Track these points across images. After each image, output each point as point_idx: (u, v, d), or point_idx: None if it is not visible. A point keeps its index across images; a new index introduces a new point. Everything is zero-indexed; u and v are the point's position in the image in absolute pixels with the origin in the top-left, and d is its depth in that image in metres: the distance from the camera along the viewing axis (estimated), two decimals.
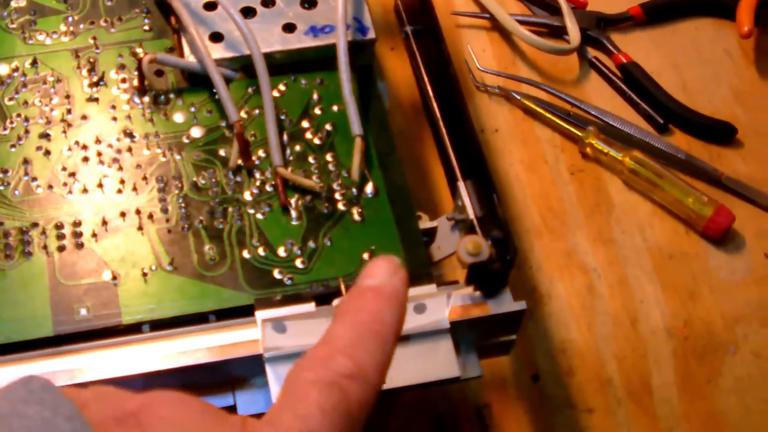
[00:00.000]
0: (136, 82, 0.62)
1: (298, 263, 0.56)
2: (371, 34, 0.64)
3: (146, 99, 0.62)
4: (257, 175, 0.59)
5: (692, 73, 0.78)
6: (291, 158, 0.60)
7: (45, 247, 0.56)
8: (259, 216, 0.58)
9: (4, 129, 0.60)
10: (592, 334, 0.65)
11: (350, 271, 0.56)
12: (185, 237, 0.57)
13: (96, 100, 0.62)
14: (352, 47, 0.63)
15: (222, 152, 0.60)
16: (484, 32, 0.79)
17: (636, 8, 0.80)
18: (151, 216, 0.57)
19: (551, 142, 0.73)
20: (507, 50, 0.78)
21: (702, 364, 0.65)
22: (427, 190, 0.68)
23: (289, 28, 0.64)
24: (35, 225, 0.57)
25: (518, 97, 0.74)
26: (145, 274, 0.55)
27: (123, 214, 0.57)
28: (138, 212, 0.57)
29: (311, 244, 0.57)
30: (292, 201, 0.58)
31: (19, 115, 0.61)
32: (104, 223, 0.57)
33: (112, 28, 0.65)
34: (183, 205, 0.58)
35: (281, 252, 0.57)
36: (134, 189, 0.58)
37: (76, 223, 0.57)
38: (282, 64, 0.63)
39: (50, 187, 0.58)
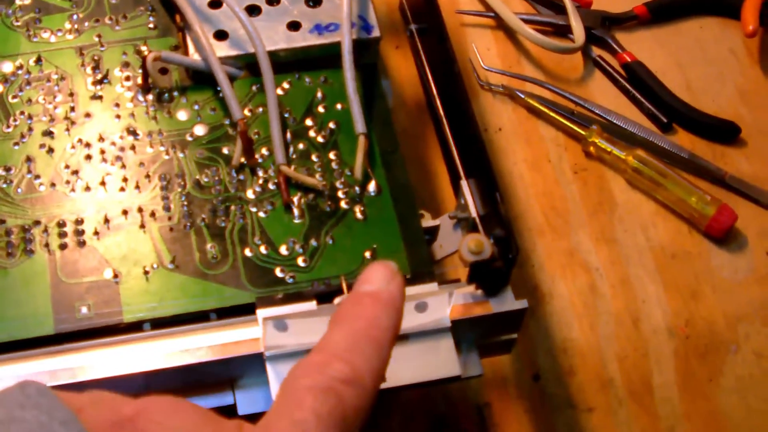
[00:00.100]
0: (140, 80, 0.62)
1: (300, 261, 0.57)
2: (376, 33, 0.64)
3: (150, 97, 0.62)
4: (260, 173, 0.59)
5: (697, 72, 0.78)
6: (294, 156, 0.60)
7: (47, 245, 0.56)
8: (261, 214, 0.58)
9: (8, 126, 0.60)
10: (593, 334, 0.65)
11: (352, 269, 0.56)
12: (187, 235, 0.57)
13: (100, 97, 0.62)
14: (356, 45, 0.63)
15: (225, 150, 0.60)
16: (489, 31, 0.79)
17: (641, 7, 0.80)
18: (153, 214, 0.58)
19: (555, 140, 0.73)
20: (511, 49, 0.78)
21: (703, 363, 0.65)
22: (429, 189, 0.68)
23: (294, 26, 0.64)
24: (37, 223, 0.57)
25: (522, 96, 0.74)
26: (146, 273, 0.55)
27: (125, 212, 0.57)
28: (140, 210, 0.58)
29: (313, 242, 0.57)
30: (295, 199, 0.58)
31: (22, 113, 0.61)
32: (106, 221, 0.57)
33: (116, 26, 0.65)
34: (185, 203, 0.58)
35: (283, 250, 0.57)
36: (137, 187, 0.59)
37: (78, 221, 0.57)
38: (286, 62, 0.63)
39: (53, 184, 0.58)
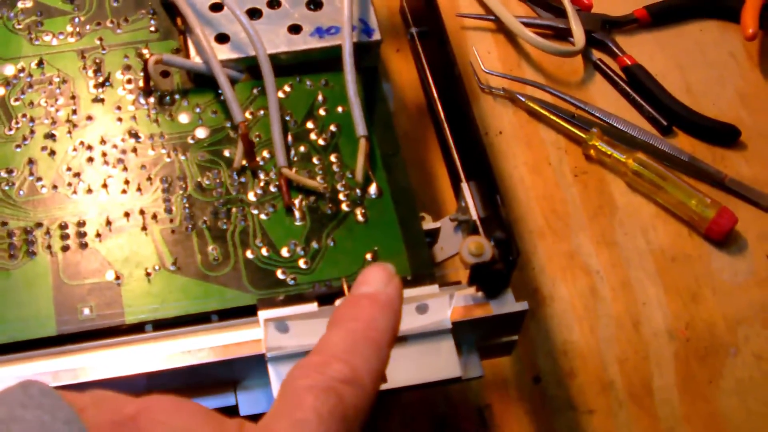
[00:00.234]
0: (141, 83, 0.63)
1: (302, 264, 0.57)
2: (377, 36, 0.64)
3: (151, 100, 0.62)
4: (261, 175, 0.59)
5: (697, 75, 0.78)
6: (295, 159, 0.60)
7: (49, 247, 0.56)
8: (262, 216, 0.58)
9: (10, 129, 0.61)
10: (594, 336, 0.65)
11: (353, 271, 0.56)
12: (189, 237, 0.57)
13: (101, 100, 0.62)
14: (357, 49, 0.63)
15: (226, 153, 0.60)
16: (489, 34, 0.79)
17: (641, 10, 0.80)
18: (155, 216, 0.58)
19: (555, 144, 0.73)
20: (512, 52, 0.78)
21: (703, 365, 0.65)
22: (430, 191, 0.68)
23: (295, 29, 0.64)
24: (39, 225, 0.57)
25: (523, 99, 0.75)
26: (148, 274, 0.56)
27: (127, 215, 0.58)
28: (142, 212, 0.58)
29: (314, 244, 0.57)
30: (296, 201, 0.59)
31: (24, 116, 0.61)
32: (108, 223, 0.57)
33: (118, 29, 0.65)
34: (187, 205, 0.58)
35: (284, 252, 0.57)
36: (138, 189, 0.59)
37: (80, 223, 0.57)
38: (287, 65, 0.64)
39: (55, 187, 0.58)
